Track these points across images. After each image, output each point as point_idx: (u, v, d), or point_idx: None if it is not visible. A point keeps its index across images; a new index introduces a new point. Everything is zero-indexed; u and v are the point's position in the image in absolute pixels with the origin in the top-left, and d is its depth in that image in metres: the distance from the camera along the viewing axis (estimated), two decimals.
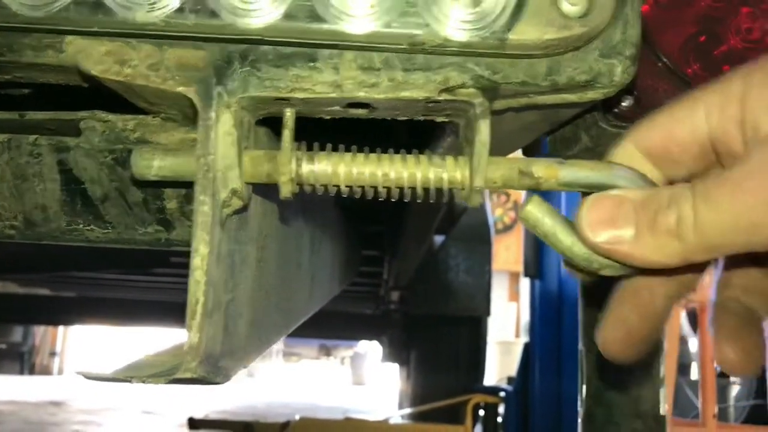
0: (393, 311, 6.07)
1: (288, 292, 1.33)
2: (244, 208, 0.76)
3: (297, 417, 5.18)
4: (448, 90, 0.70)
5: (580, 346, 1.52)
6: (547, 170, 0.71)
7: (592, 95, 0.71)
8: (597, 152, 0.94)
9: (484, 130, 0.70)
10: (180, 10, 0.65)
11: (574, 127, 0.93)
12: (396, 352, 6.48)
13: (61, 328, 13.00)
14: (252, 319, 0.93)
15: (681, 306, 5.85)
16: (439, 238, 5.28)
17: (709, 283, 0.70)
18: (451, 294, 5.51)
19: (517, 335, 13.30)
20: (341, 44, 0.67)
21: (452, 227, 4.78)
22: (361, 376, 15.57)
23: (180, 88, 0.69)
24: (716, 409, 5.68)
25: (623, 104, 0.89)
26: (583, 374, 1.48)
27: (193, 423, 5.26)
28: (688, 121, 0.62)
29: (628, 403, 1.43)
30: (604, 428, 1.44)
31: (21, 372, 12.26)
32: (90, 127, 0.81)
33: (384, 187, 0.72)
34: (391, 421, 5.83)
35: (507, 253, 12.97)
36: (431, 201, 0.74)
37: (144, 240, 0.90)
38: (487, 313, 5.63)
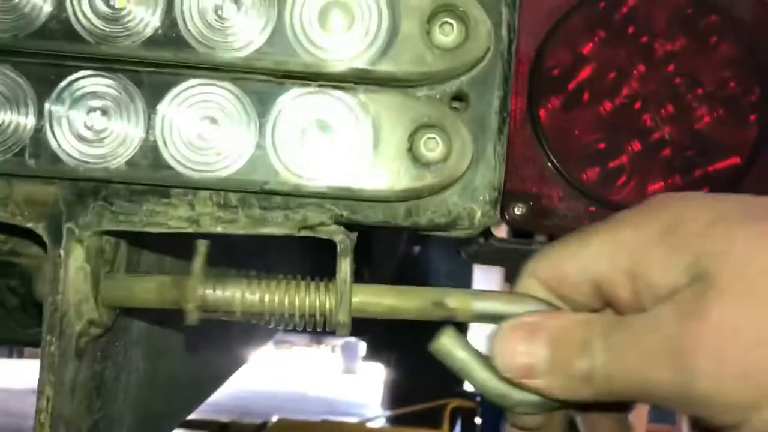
0: None
1: (214, 355, 1.32)
2: (109, 330, 0.75)
3: (275, 418, 5.20)
4: (307, 228, 0.69)
5: None
6: (460, 302, 0.70)
7: (456, 234, 0.70)
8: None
9: (345, 268, 0.69)
10: (20, 153, 0.64)
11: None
12: (378, 351, 6.48)
13: None
14: (141, 416, 0.92)
15: None
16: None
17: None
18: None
19: None
20: (191, 188, 0.66)
21: (428, 236, 4.76)
22: (351, 365, 15.62)
23: (29, 224, 0.67)
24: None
25: (515, 212, 0.87)
26: None
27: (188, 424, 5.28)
28: (577, 262, 0.62)
29: None
30: None
31: (10, 356, 12.29)
32: None
33: (270, 314, 0.71)
34: (372, 423, 5.85)
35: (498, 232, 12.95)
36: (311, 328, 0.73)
37: (29, 340, 0.89)
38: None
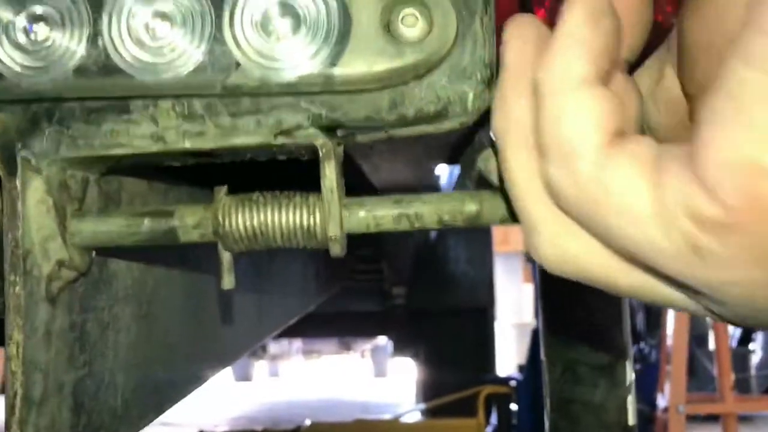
0: (397, 306, 6.01)
1: (213, 331, 1.25)
2: (84, 275, 0.69)
3: (308, 422, 5.14)
4: (283, 133, 0.62)
5: (543, 356, 1.43)
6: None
7: (448, 125, 0.63)
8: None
9: (330, 174, 0.62)
10: None
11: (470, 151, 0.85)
12: (405, 346, 6.42)
13: None
14: (136, 382, 0.86)
15: None
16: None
17: None
18: (454, 286, 5.43)
19: (536, 316, 13.22)
20: (147, 95, 0.60)
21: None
22: (382, 368, 15.53)
23: None
24: (732, 380, 5.57)
25: None
26: (546, 387, 1.40)
27: None
28: None
29: (593, 415, 1.35)
30: None
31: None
32: None
33: (256, 237, 0.65)
34: (405, 418, 5.78)
35: (519, 234, 12.86)
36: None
37: None
38: (492, 303, 5.55)
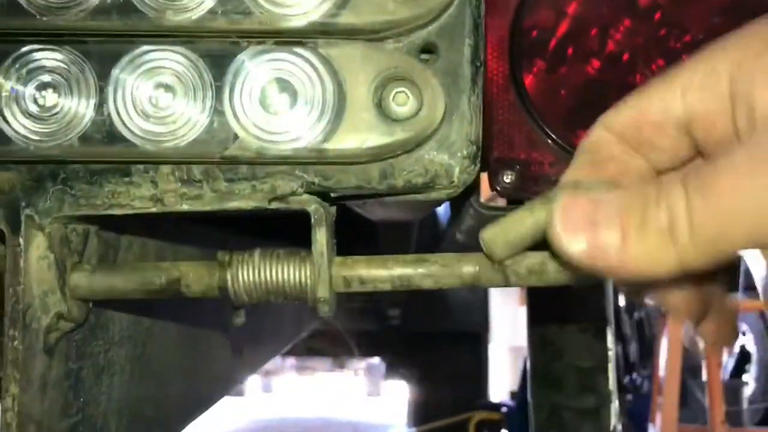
0: (392, 328, 6.01)
1: (208, 365, 1.27)
2: (81, 325, 0.71)
3: None
4: (277, 198, 0.65)
5: (529, 399, 1.46)
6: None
7: (436, 196, 0.65)
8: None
9: (320, 240, 0.65)
10: None
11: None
12: (398, 367, 6.41)
13: None
14: (129, 421, 0.88)
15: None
16: None
17: None
18: (448, 310, 5.44)
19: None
20: (148, 161, 0.62)
21: (439, 244, 4.70)
22: (375, 387, 15.49)
23: None
24: (723, 413, 5.57)
25: (505, 180, 0.83)
26: (532, 429, 1.43)
27: None
28: (661, 99, 0.53)
29: None
30: None
31: None
32: None
33: (248, 293, 0.68)
34: None
35: None
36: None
37: None
38: (486, 328, 5.55)
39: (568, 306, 1.38)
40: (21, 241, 0.63)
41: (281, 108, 0.60)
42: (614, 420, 1.39)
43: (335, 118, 0.61)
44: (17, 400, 0.62)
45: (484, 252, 0.60)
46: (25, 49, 0.61)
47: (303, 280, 0.67)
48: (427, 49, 0.63)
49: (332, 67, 0.60)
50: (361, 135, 0.61)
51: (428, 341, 5.79)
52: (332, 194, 0.65)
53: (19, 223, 0.64)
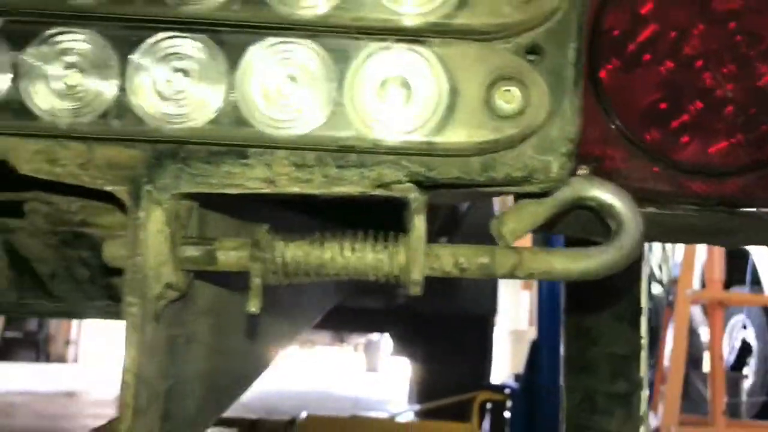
0: (401, 306, 6.07)
1: (257, 336, 1.32)
2: (184, 294, 0.76)
3: (304, 414, 5.20)
4: (383, 186, 0.69)
5: (562, 382, 1.50)
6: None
7: (530, 188, 0.70)
8: None
9: (419, 225, 0.69)
10: (104, 115, 0.65)
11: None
12: (404, 346, 6.48)
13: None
14: (206, 389, 0.92)
15: (691, 301, 5.80)
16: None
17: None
18: (458, 293, 5.49)
19: (531, 323, 13.27)
20: (270, 146, 0.66)
21: (456, 228, 4.75)
22: (374, 363, 15.61)
23: (109, 188, 0.68)
24: (724, 405, 5.64)
25: (579, 173, 0.87)
26: (563, 413, 1.47)
27: None
28: None
29: None
30: None
31: (37, 360, 12.41)
32: (33, 209, 0.80)
33: (333, 271, 0.72)
34: (400, 418, 5.85)
35: (519, 242, 12.88)
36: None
37: (96, 312, 0.90)
38: (494, 311, 5.61)
39: (604, 294, 1.42)
40: (142, 214, 0.67)
41: (397, 102, 0.64)
42: (644, 406, 1.44)
43: (447, 114, 0.65)
44: (136, 362, 0.67)
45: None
46: (160, 35, 0.64)
47: (399, 261, 0.71)
48: (533, 50, 0.67)
49: (447, 65, 0.64)
50: (470, 131, 0.65)
51: (436, 322, 5.84)
52: (433, 184, 0.69)
53: (140, 198, 0.68)
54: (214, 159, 0.68)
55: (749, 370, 7.83)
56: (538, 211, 0.74)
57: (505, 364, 10.70)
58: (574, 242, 0.84)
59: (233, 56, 0.64)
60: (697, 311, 6.73)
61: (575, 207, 0.76)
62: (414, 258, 0.69)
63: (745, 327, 7.38)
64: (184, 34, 0.64)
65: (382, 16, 0.64)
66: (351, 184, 0.69)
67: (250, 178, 0.69)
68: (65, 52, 0.64)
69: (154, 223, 0.69)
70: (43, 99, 0.64)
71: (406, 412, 6.17)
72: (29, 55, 0.65)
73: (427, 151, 0.66)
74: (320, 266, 0.72)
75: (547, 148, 0.67)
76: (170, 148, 0.68)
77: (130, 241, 0.68)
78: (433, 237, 0.72)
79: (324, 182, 0.69)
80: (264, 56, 0.64)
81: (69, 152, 0.68)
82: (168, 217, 0.69)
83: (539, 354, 5.51)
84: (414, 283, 0.71)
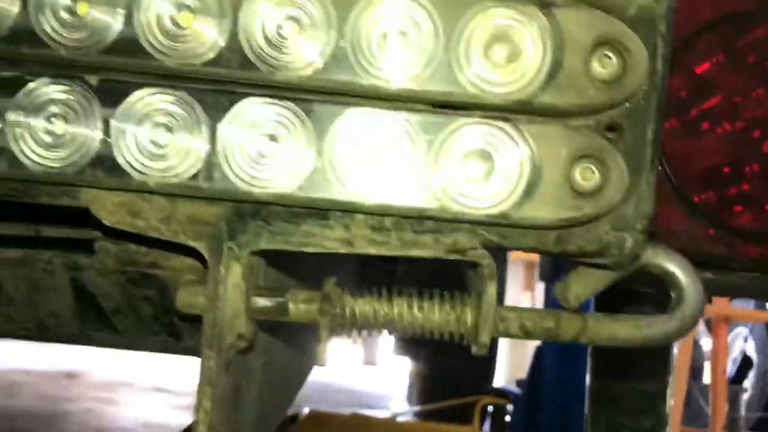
0: None
1: (293, 365, 1.34)
2: (252, 343, 0.77)
3: (306, 410, 5.23)
4: (456, 251, 0.71)
5: (587, 411, 1.53)
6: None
7: (602, 262, 0.71)
8: None
9: (491, 291, 0.71)
10: (193, 176, 0.66)
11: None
12: (407, 346, 6.49)
13: None
14: (257, 419, 0.94)
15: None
16: None
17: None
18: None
19: None
20: (354, 211, 0.68)
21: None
22: (372, 357, 15.64)
23: (191, 243, 0.70)
24: (725, 418, 5.67)
25: None
26: None
27: None
28: None
29: None
30: None
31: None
32: (103, 248, 0.82)
33: (401, 328, 0.75)
34: (400, 419, 5.87)
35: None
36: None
37: (154, 347, 0.91)
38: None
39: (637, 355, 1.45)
40: (222, 269, 0.69)
41: (480, 176, 0.66)
42: None
43: (528, 191, 0.66)
44: (209, 415, 0.68)
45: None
46: (250, 100, 0.66)
47: (468, 322, 0.73)
48: (612, 128, 0.68)
49: (530, 142, 0.66)
50: (550, 208, 0.66)
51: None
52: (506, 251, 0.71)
53: (221, 254, 0.69)
54: (295, 219, 0.70)
55: (748, 383, 7.86)
56: (603, 276, 0.76)
57: (503, 368, 10.70)
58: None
59: (322, 123, 0.66)
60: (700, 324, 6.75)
61: (638, 273, 0.78)
62: (484, 321, 0.71)
63: (746, 340, 7.39)
64: (275, 101, 0.66)
65: (470, 91, 0.65)
66: (426, 249, 0.70)
67: (328, 239, 0.70)
68: (156, 112, 0.66)
69: (232, 278, 0.70)
70: (133, 157, 0.66)
71: (407, 412, 6.19)
72: (121, 114, 0.66)
73: (505, 223, 0.67)
74: (388, 323, 0.74)
75: (622, 224, 0.69)
76: (253, 207, 0.70)
77: (208, 295, 0.69)
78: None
79: (400, 245, 0.70)
80: (353, 125, 0.66)
81: (151, 206, 0.69)
82: (245, 271, 0.71)
83: (543, 360, 5.52)
84: (481, 345, 0.72)
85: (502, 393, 5.73)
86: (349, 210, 0.68)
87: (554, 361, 5.31)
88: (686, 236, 0.91)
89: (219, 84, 0.66)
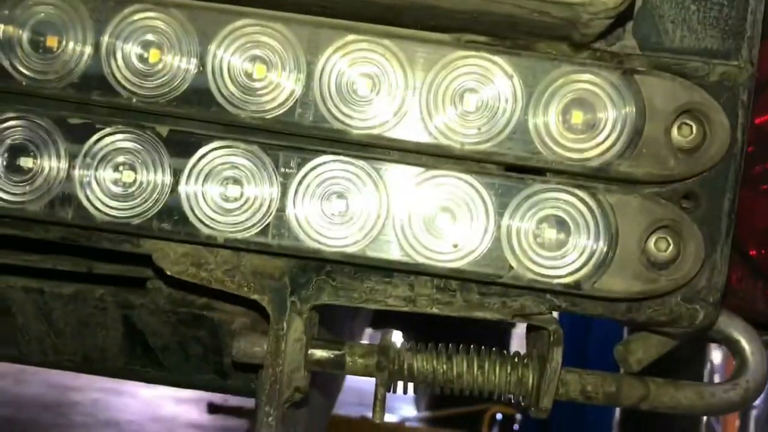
0: None
1: (321, 400, 1.33)
2: (306, 395, 0.76)
3: None
4: (522, 315, 0.69)
5: None
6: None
7: (670, 331, 0.70)
8: None
9: (556, 357, 0.70)
10: (263, 232, 0.65)
11: None
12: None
13: None
14: None
15: None
16: None
17: None
18: None
19: None
20: (422, 273, 0.67)
21: None
22: None
23: (255, 296, 0.69)
24: None
25: None
26: None
27: (212, 408, 5.33)
28: None
29: None
30: None
31: None
32: (156, 288, 0.81)
33: (458, 386, 0.74)
34: (408, 424, 5.85)
35: None
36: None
37: (199, 384, 0.91)
38: (512, 323, 5.59)
39: (667, 363, 1.42)
40: (284, 324, 0.68)
41: (555, 244, 0.64)
42: None
43: (603, 262, 0.65)
44: None
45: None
46: (322, 159, 0.65)
47: (529, 384, 0.72)
48: (688, 197, 0.67)
49: (608, 213, 0.64)
50: (624, 279, 0.65)
51: (452, 325, 5.80)
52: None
53: (285, 309, 0.68)
54: (358, 275, 0.69)
55: (758, 400, 7.82)
56: (665, 342, 0.75)
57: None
58: None
59: (393, 184, 0.65)
60: None
61: (700, 338, 0.77)
62: (548, 388, 0.70)
63: None
64: (349, 159, 0.64)
65: (548, 157, 0.64)
66: (491, 312, 0.69)
67: (391, 296, 0.69)
68: (226, 166, 0.65)
69: (293, 333, 0.69)
70: (202, 211, 0.65)
71: (415, 418, 6.17)
72: (191, 167, 0.65)
73: (577, 293, 0.66)
74: (446, 381, 0.73)
75: (694, 296, 0.67)
76: (317, 263, 0.69)
77: (270, 351, 0.68)
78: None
79: (464, 307, 0.69)
80: (423, 188, 0.64)
81: (216, 258, 0.68)
82: (306, 325, 0.70)
83: None
84: (542, 411, 0.71)
85: (512, 402, 5.68)
86: (418, 273, 0.67)
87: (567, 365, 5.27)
88: (744, 295, 0.89)
89: (290, 139, 0.65)
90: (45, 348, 0.88)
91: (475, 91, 0.63)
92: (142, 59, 0.65)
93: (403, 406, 7.43)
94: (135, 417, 5.53)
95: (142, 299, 0.81)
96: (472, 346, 0.75)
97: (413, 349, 0.74)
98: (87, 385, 7.11)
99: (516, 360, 0.73)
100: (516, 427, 5.53)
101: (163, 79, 0.64)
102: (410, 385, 0.76)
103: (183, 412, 5.71)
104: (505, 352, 0.74)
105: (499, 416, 5.36)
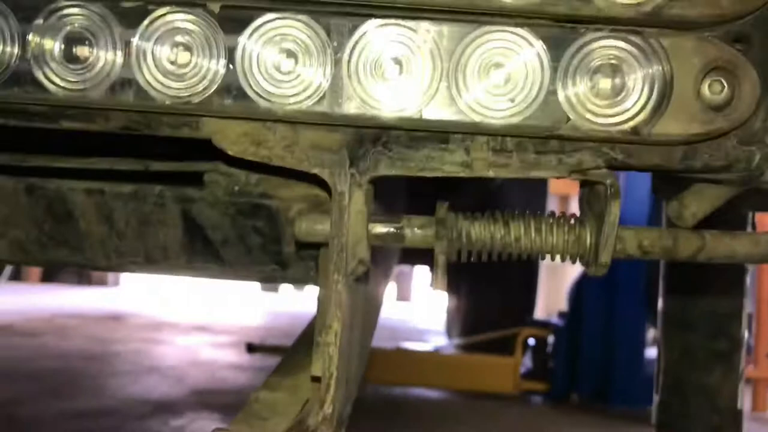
0: None
1: (374, 293, 1.36)
2: (368, 268, 0.78)
3: None
4: (579, 171, 0.70)
5: (659, 335, 1.53)
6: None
7: (728, 177, 0.70)
8: None
9: (614, 211, 0.71)
10: (319, 102, 0.66)
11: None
12: (446, 281, 6.51)
13: None
14: (362, 342, 0.96)
15: None
16: None
17: None
18: None
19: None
20: (478, 133, 0.67)
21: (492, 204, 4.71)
22: (406, 293, 15.80)
23: (315, 170, 0.70)
24: None
25: None
26: (660, 363, 1.50)
27: (250, 347, 5.45)
28: None
29: (706, 397, 1.45)
30: (678, 420, 1.47)
31: (79, 283, 12.73)
32: (214, 181, 0.83)
33: (516, 251, 0.75)
34: (442, 351, 5.94)
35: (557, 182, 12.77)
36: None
37: (259, 276, 0.93)
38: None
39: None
40: (345, 196, 0.69)
41: (611, 92, 0.65)
42: (743, 363, 1.47)
43: (659, 105, 0.65)
44: (339, 337, 0.70)
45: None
46: (373, 23, 0.65)
47: (587, 243, 0.73)
48: (740, 39, 0.67)
49: (663, 56, 0.64)
50: (681, 123, 0.65)
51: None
52: (629, 169, 0.70)
53: (344, 181, 0.70)
54: (414, 143, 0.70)
55: None
56: (719, 194, 0.75)
57: (541, 299, 10.75)
58: None
59: (449, 44, 0.65)
60: None
61: (753, 189, 0.77)
62: (606, 242, 0.71)
63: None
64: (399, 22, 0.65)
65: (598, 5, 0.64)
66: (548, 170, 0.70)
67: (447, 162, 0.70)
68: (280, 38, 0.65)
69: (355, 204, 0.71)
70: (259, 85, 0.66)
71: (449, 345, 6.27)
72: (245, 41, 0.66)
73: (634, 141, 0.66)
74: (505, 246, 0.75)
75: (750, 139, 0.67)
76: (373, 132, 0.70)
77: (334, 222, 0.70)
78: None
79: (520, 167, 0.70)
80: (476, 45, 0.65)
81: (275, 135, 0.69)
82: (366, 198, 0.71)
83: (583, 292, 5.53)
84: (601, 266, 0.72)
85: (542, 324, 5.77)
86: (475, 132, 0.68)
87: (595, 292, 5.33)
88: None
89: (341, 6, 0.66)
90: (108, 252, 0.91)
91: None
92: None
93: (433, 336, 7.53)
94: (176, 362, 5.65)
95: (201, 192, 0.83)
96: (527, 211, 0.76)
97: (470, 217, 0.75)
98: (127, 336, 7.27)
99: (573, 221, 0.74)
100: (549, 350, 5.61)
101: None
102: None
103: (222, 356, 5.84)
104: (554, 214, 0.75)
105: (531, 341, 5.44)
